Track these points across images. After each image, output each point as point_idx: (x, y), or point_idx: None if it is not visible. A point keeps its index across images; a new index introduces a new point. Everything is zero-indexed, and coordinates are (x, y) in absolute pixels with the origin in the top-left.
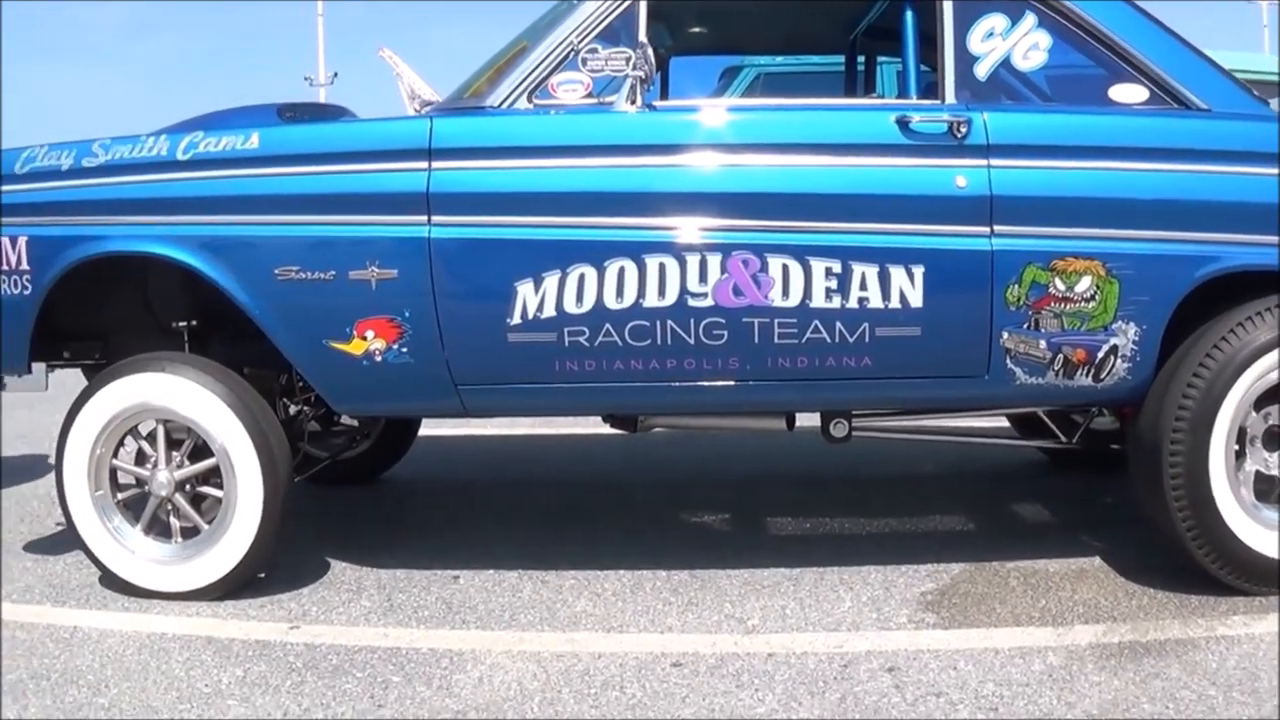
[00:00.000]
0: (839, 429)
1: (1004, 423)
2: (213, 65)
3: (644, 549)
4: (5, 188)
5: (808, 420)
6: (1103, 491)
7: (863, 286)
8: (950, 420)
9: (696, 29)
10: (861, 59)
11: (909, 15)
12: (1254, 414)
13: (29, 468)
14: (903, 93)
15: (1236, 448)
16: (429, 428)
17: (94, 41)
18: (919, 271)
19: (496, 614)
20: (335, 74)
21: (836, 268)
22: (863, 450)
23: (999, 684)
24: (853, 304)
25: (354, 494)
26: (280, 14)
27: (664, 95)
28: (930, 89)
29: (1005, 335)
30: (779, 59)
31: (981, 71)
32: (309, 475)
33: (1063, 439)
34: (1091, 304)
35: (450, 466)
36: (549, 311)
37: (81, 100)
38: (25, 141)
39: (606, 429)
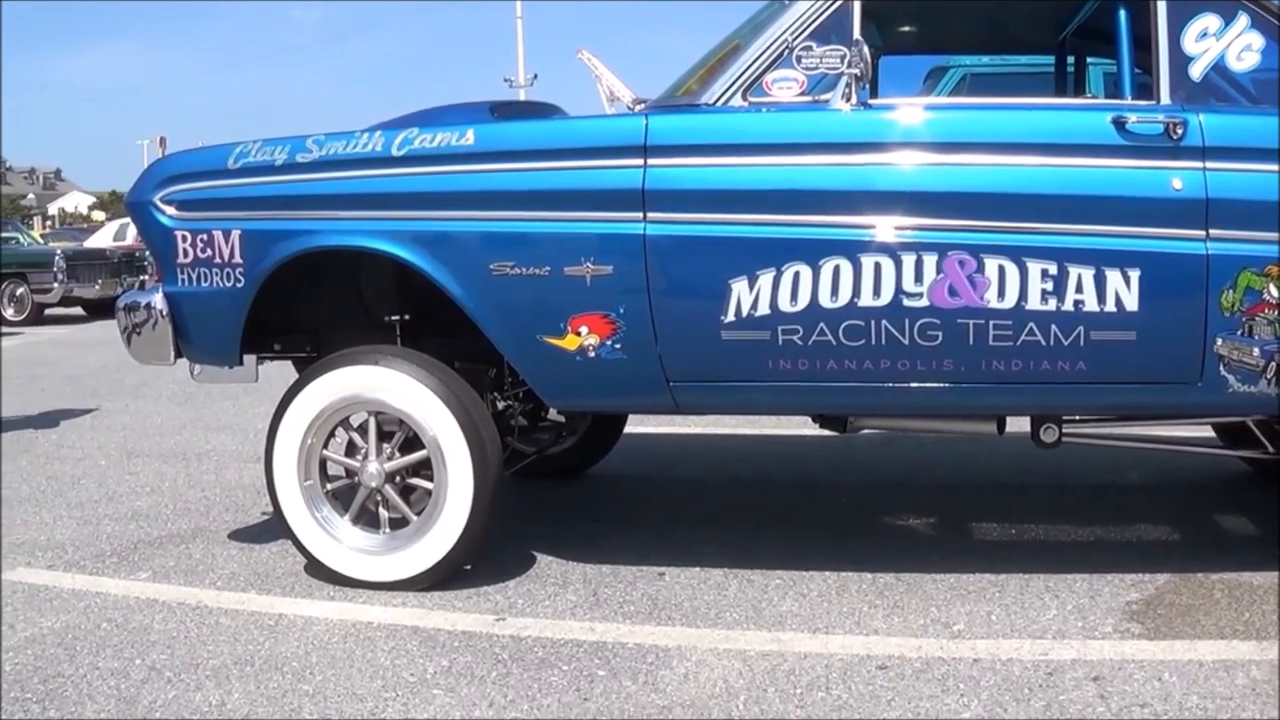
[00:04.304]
0: (1049, 434)
1: (1208, 432)
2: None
3: (849, 551)
4: (219, 183)
5: (1015, 425)
6: None
7: (1078, 289)
8: (1155, 428)
9: (907, 28)
10: (1070, 59)
11: (1122, 15)
12: None
13: (233, 458)
14: (1115, 93)
15: None
16: (634, 425)
17: (294, 42)
18: (1135, 275)
19: (702, 611)
20: (535, 75)
21: (1053, 269)
22: (1066, 456)
23: (1203, 697)
24: (1068, 306)
25: (560, 489)
26: (473, 18)
27: (873, 95)
28: (1142, 90)
29: (1219, 342)
30: (985, 59)
31: (1196, 72)
32: (516, 470)
33: (1270, 449)
34: None
35: (655, 464)
36: (763, 309)
37: (272, 100)
38: (232, 138)
39: (811, 429)
